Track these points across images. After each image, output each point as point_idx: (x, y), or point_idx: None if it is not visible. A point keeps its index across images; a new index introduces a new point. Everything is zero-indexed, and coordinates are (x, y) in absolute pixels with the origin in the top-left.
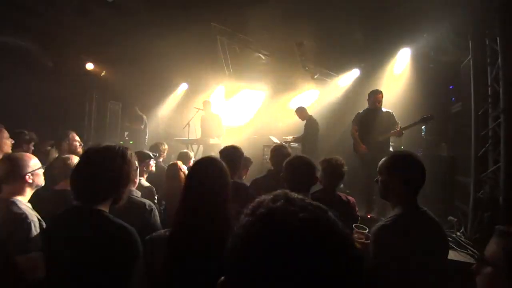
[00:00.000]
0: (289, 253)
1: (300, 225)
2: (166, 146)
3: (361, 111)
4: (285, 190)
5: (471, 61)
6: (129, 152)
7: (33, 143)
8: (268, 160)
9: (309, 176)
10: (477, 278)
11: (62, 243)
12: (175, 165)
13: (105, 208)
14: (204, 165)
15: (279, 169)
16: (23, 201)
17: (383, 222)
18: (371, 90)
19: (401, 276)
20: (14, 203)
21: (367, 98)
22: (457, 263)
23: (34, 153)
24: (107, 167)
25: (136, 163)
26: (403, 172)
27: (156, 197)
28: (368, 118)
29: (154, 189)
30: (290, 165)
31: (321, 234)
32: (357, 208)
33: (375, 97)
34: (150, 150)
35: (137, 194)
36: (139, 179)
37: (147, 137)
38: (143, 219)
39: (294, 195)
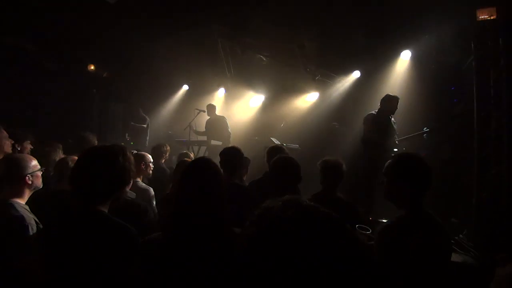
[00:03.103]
0: (304, 271)
1: (316, 242)
2: (168, 148)
3: (373, 112)
4: (295, 196)
5: (473, 62)
6: (127, 151)
7: (29, 142)
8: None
9: (295, 175)
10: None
11: (61, 244)
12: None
13: (104, 208)
14: (197, 167)
15: None
16: (21, 203)
17: (387, 222)
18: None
19: (402, 277)
20: (12, 205)
21: (384, 101)
22: (460, 265)
23: (32, 153)
24: (108, 166)
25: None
26: (409, 174)
27: (154, 199)
28: (386, 122)
29: (151, 190)
30: (276, 165)
31: (342, 251)
32: (359, 210)
33: (396, 103)
34: (152, 151)
35: (132, 195)
36: (136, 181)
37: (148, 138)
38: (137, 220)
39: (306, 202)
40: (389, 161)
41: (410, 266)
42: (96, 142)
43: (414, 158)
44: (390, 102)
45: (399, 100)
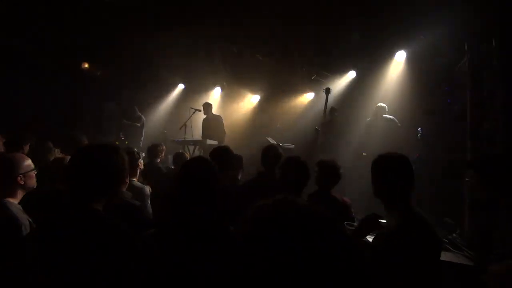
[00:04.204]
0: (297, 268)
1: (307, 240)
2: (164, 147)
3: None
4: (286, 195)
5: (466, 63)
6: (121, 149)
7: (29, 144)
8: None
9: (305, 177)
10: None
11: (56, 243)
12: None
13: (99, 207)
14: (193, 166)
15: (270, 171)
16: (14, 202)
17: (376, 233)
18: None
19: (395, 276)
20: (4, 205)
21: (381, 108)
22: (453, 264)
23: (31, 153)
24: (102, 164)
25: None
26: (389, 172)
27: (148, 198)
28: (376, 128)
29: (146, 188)
30: (288, 164)
31: (333, 249)
32: (352, 210)
33: (379, 110)
34: (147, 150)
35: (128, 195)
36: (131, 180)
37: (142, 138)
38: (133, 220)
39: (298, 201)
40: (373, 160)
41: (402, 265)
42: (85, 141)
43: (392, 156)
44: (376, 109)
45: (394, 101)
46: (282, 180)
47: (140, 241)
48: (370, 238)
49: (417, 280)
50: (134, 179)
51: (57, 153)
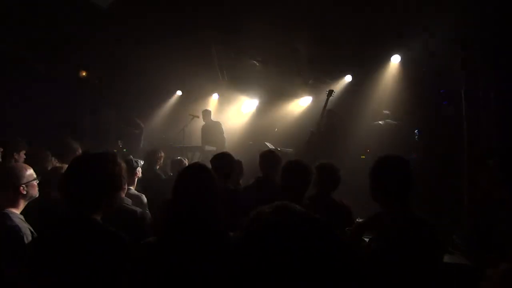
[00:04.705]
0: (293, 267)
1: (303, 239)
2: (162, 154)
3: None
4: (284, 202)
5: (461, 64)
6: (118, 157)
7: (24, 152)
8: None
9: (307, 181)
10: (488, 271)
11: (53, 252)
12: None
13: (97, 216)
14: (191, 172)
15: (269, 176)
16: (16, 212)
17: (372, 236)
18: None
19: (395, 276)
20: (7, 215)
21: (385, 115)
22: (453, 265)
23: (28, 161)
24: (99, 172)
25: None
26: (386, 174)
27: (146, 206)
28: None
29: (143, 196)
30: (289, 169)
31: (327, 249)
32: (353, 213)
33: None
34: (146, 157)
35: (128, 202)
36: (129, 188)
37: (141, 145)
38: (135, 227)
39: (295, 207)
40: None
41: (399, 265)
42: (79, 149)
43: (388, 158)
44: (380, 115)
45: (390, 103)
46: (283, 184)
47: (139, 247)
48: (366, 239)
49: (414, 280)
50: (132, 187)
51: (54, 162)
